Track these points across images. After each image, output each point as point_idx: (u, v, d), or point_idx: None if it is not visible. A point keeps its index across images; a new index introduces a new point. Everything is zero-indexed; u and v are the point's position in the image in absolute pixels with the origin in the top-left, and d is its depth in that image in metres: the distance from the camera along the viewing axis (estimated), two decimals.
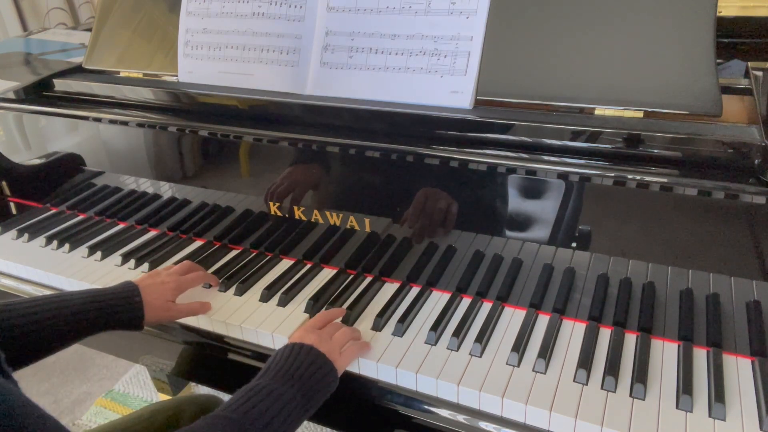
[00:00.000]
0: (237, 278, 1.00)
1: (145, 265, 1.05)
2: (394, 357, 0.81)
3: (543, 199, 0.81)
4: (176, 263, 1.04)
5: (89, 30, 1.29)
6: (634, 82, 0.79)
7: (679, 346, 0.79)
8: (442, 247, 0.92)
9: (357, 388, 0.83)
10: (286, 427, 0.66)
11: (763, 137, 0.71)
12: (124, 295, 0.84)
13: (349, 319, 0.88)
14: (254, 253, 1.08)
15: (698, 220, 0.74)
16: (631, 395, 0.72)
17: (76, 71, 1.23)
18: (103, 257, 1.10)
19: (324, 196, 0.97)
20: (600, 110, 0.81)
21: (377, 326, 0.87)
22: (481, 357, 0.80)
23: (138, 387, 1.88)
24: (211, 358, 0.96)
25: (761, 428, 0.68)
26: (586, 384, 0.75)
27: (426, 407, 0.79)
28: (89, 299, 0.80)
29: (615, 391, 0.73)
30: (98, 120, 1.11)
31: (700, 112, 0.76)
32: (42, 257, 1.12)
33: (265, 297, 0.95)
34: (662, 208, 0.75)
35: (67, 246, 1.13)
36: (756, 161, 0.71)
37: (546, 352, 0.79)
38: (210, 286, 0.99)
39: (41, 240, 1.16)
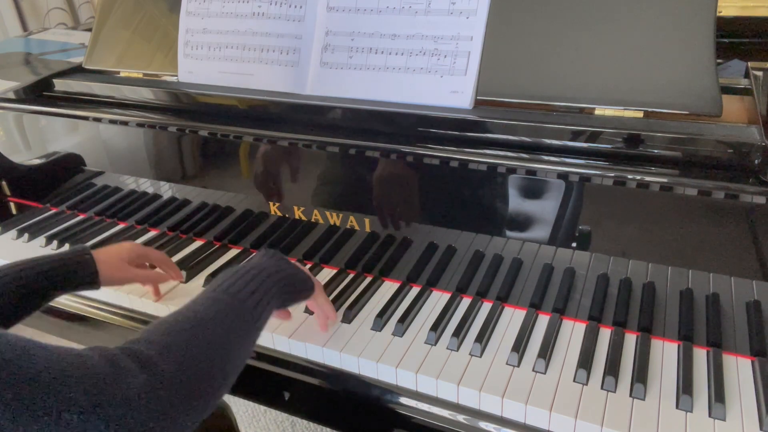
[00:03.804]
0: None
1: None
2: (394, 357, 0.81)
3: (543, 199, 0.81)
4: (176, 263, 1.04)
5: (89, 30, 1.29)
6: (634, 82, 0.79)
7: (679, 346, 0.79)
8: (442, 247, 0.92)
9: (357, 388, 0.83)
10: (265, 312, 0.70)
11: (763, 137, 0.71)
12: (75, 253, 0.86)
13: (349, 319, 0.89)
14: (254, 253, 1.07)
15: (698, 220, 0.74)
16: (631, 395, 0.72)
17: (76, 71, 1.23)
18: None
19: (324, 196, 0.97)
20: (600, 110, 0.81)
21: (377, 326, 0.87)
22: (481, 357, 0.80)
23: None
24: None
25: (761, 428, 0.68)
26: (586, 384, 0.75)
27: (426, 407, 0.79)
28: (44, 261, 0.83)
29: (615, 391, 0.73)
30: (98, 120, 1.11)
31: (700, 112, 0.76)
32: None
33: None
34: (662, 208, 0.75)
35: (67, 246, 1.13)
36: (756, 161, 0.71)
37: (546, 352, 0.79)
38: None
39: (41, 240, 1.16)
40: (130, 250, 0.92)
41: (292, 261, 0.81)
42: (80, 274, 0.85)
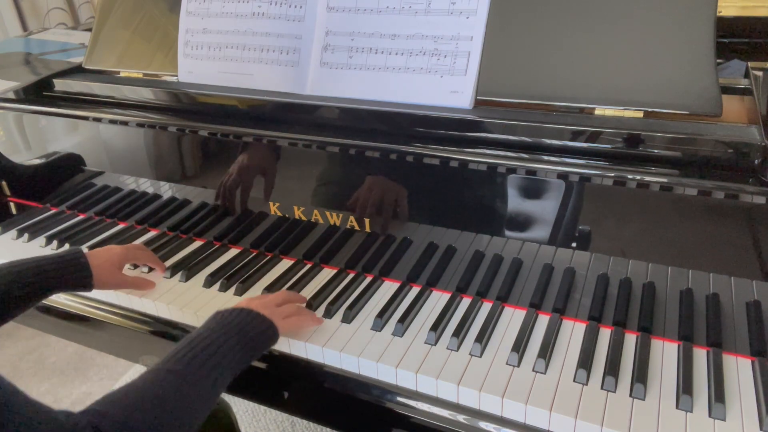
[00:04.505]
0: (237, 278, 1.00)
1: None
2: (394, 357, 0.81)
3: (543, 199, 0.81)
4: (176, 264, 1.04)
5: (89, 30, 1.29)
6: (634, 82, 0.79)
7: (679, 346, 0.79)
8: (442, 247, 0.92)
9: (357, 387, 0.83)
10: (224, 377, 0.70)
11: (763, 137, 0.71)
12: (70, 256, 0.89)
13: (349, 319, 0.89)
14: (254, 253, 1.08)
15: (698, 220, 0.74)
16: (631, 395, 0.72)
17: (76, 71, 1.23)
18: None
19: (324, 196, 0.97)
20: (600, 110, 0.81)
21: (377, 326, 0.87)
22: (481, 357, 0.80)
23: None
24: None
25: (761, 428, 0.67)
26: (586, 384, 0.75)
27: (426, 407, 0.79)
28: (41, 262, 0.86)
29: (615, 391, 0.73)
30: (98, 120, 1.11)
31: (700, 112, 0.76)
32: None
33: None
34: (662, 208, 0.75)
35: (67, 246, 1.13)
36: (756, 161, 0.71)
37: (546, 352, 0.79)
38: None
39: (41, 240, 1.16)
40: (121, 255, 0.96)
41: (254, 305, 0.80)
42: (75, 276, 0.88)
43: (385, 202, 0.92)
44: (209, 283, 1.00)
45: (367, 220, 0.95)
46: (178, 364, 0.67)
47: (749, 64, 0.93)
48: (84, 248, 1.11)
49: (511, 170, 0.81)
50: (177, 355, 0.68)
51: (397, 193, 0.91)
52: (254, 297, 0.87)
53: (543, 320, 0.86)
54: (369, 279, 0.98)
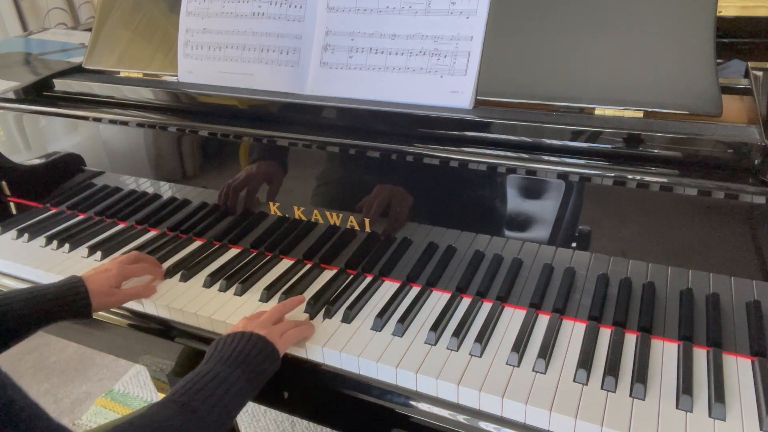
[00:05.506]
0: (237, 278, 1.00)
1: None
2: (394, 357, 0.81)
3: (543, 199, 0.81)
4: (175, 264, 1.04)
5: (89, 30, 1.29)
6: (634, 82, 0.79)
7: (679, 346, 0.79)
8: (442, 247, 0.92)
9: (357, 387, 0.83)
10: (232, 407, 0.70)
11: (763, 137, 0.71)
12: (70, 287, 0.89)
13: (349, 319, 0.89)
14: (254, 253, 1.08)
15: (698, 220, 0.74)
16: (631, 395, 0.72)
17: (76, 71, 1.23)
18: (103, 257, 1.10)
19: (324, 196, 0.97)
20: (600, 110, 0.81)
21: (377, 326, 0.87)
22: (481, 357, 0.80)
23: (138, 387, 1.88)
24: None
25: (761, 428, 0.68)
26: (586, 384, 0.75)
27: (426, 407, 0.79)
28: (45, 292, 0.85)
29: (615, 391, 0.73)
30: (98, 120, 1.11)
31: (700, 112, 0.76)
32: (42, 257, 1.12)
33: (265, 297, 0.95)
34: (662, 208, 0.75)
35: (67, 246, 1.13)
36: (756, 161, 0.71)
37: (546, 352, 0.79)
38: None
39: (41, 240, 1.16)
40: (117, 275, 0.95)
41: (252, 326, 0.80)
42: (74, 306, 0.87)
43: (385, 202, 0.92)
44: (209, 283, 1.00)
45: (367, 220, 0.95)
46: (185, 396, 0.67)
47: (749, 64, 0.93)
48: (82, 253, 1.12)
49: (511, 170, 0.81)
50: (185, 388, 0.68)
51: (397, 193, 0.91)
52: (252, 317, 0.85)
53: (543, 320, 0.86)
54: (369, 279, 0.98)
